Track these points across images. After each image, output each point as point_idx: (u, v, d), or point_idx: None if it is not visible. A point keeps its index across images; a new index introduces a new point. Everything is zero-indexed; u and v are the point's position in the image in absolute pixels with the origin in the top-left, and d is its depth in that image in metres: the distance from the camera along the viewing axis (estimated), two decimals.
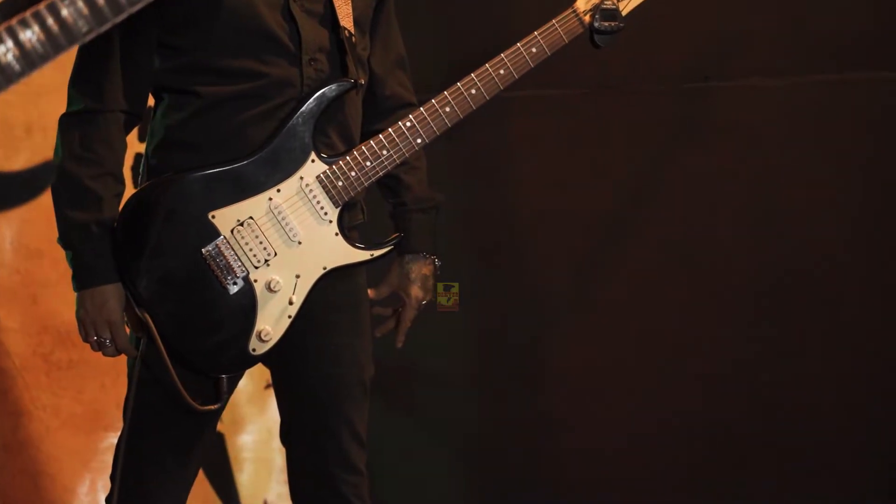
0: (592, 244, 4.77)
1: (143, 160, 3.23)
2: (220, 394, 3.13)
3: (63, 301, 4.36)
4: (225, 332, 3.07)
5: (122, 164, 3.14)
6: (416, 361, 4.39)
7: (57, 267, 4.39)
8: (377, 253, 3.20)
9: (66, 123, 3.13)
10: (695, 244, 4.66)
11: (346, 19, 3.22)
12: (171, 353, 3.04)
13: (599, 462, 4.76)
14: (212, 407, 3.12)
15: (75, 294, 3.13)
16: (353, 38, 3.22)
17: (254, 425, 4.68)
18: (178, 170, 3.10)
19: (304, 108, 3.11)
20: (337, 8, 3.21)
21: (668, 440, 4.68)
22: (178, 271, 3.05)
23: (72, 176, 3.07)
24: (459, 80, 3.22)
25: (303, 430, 3.25)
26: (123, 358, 3.20)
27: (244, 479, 4.66)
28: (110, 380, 4.47)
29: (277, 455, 4.71)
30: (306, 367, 3.21)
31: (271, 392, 4.60)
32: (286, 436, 3.29)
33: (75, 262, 3.10)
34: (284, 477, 4.63)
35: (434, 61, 4.22)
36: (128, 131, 3.19)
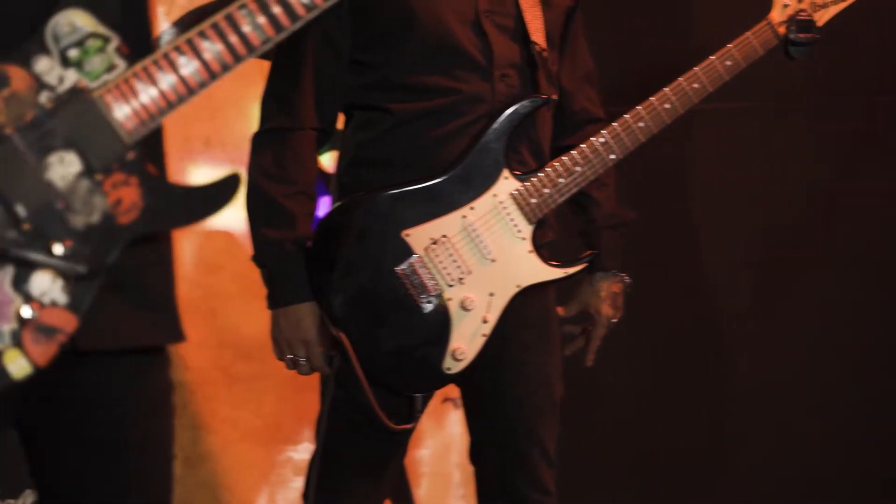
0: (775, 257, 4.71)
1: (334, 178, 3.25)
2: (414, 412, 3.16)
3: (242, 315, 4.43)
4: (419, 351, 3.09)
5: (314, 182, 3.18)
6: (593, 375, 4.36)
7: (236, 281, 4.46)
8: (571, 270, 3.20)
9: (259, 141, 3.17)
10: (882, 260, 4.59)
11: (537, 34, 3.22)
12: (366, 371, 3.06)
13: (777, 475, 4.70)
14: (407, 426, 3.13)
15: (270, 312, 3.16)
16: (544, 53, 3.21)
17: (431, 440, 4.70)
18: (370, 188, 3.12)
19: (496, 125, 3.12)
20: (528, 23, 3.21)
21: (856, 452, 4.61)
22: (372, 290, 3.08)
23: (266, 194, 3.11)
24: (653, 94, 3.20)
25: (493, 449, 3.25)
26: (290, 370, 3.22)
27: (422, 493, 4.69)
28: (289, 393, 4.53)
29: (455, 470, 4.73)
30: (497, 386, 3.22)
31: (449, 407, 4.63)
32: (476, 454, 3.30)
33: (270, 280, 3.13)
34: (462, 492, 4.66)
35: (615, 75, 4.19)
36: (319, 149, 3.21)
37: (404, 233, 3.08)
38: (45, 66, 1.87)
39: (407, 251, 3.08)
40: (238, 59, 1.93)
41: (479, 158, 3.11)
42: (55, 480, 2.02)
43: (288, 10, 1.95)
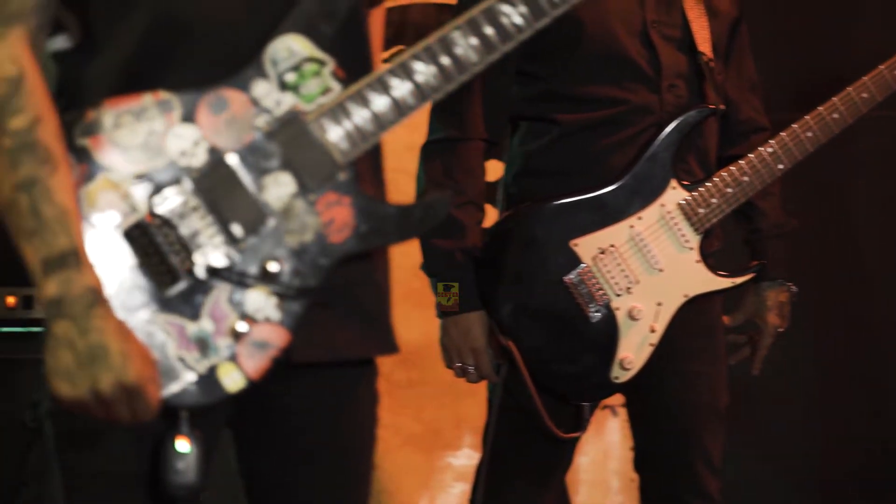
0: None
1: (501, 188, 3.30)
2: (581, 421, 3.19)
3: (403, 322, 4.46)
4: (587, 360, 3.13)
5: (483, 192, 3.23)
6: (759, 385, 4.36)
7: (397, 288, 4.50)
8: (738, 280, 3.21)
9: (429, 151, 3.24)
10: None
11: (704, 44, 3.24)
12: (534, 379, 3.10)
13: None
14: (574, 434, 3.17)
15: (437, 320, 3.22)
16: (711, 64, 3.23)
17: (590, 446, 4.72)
18: (538, 198, 3.16)
19: (665, 135, 3.15)
20: (695, 33, 3.23)
21: None
22: (540, 299, 3.12)
23: None
24: (821, 104, 3.20)
25: (658, 458, 3.28)
26: (458, 377, 3.27)
27: (580, 500, 4.71)
28: (449, 400, 4.58)
29: (613, 478, 4.75)
30: (663, 395, 3.24)
31: (607, 415, 4.65)
32: (641, 463, 3.33)
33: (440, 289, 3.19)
34: (620, 499, 4.67)
35: (776, 83, 4.18)
36: (486, 159, 3.26)
37: (572, 242, 3.12)
38: (263, 90, 1.96)
39: (575, 261, 3.12)
40: (450, 80, 1.99)
41: (647, 168, 3.14)
42: (264, 483, 2.11)
43: (500, 31, 2.00)
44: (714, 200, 3.17)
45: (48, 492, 2.01)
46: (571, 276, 3.12)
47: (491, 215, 3.32)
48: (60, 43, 2.00)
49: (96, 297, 1.83)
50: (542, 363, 3.13)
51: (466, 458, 4.64)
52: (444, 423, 4.66)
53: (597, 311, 3.12)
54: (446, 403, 4.63)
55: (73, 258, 1.83)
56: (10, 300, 4.76)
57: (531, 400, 3.12)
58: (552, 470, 3.27)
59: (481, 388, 3.39)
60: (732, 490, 3.41)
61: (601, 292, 3.12)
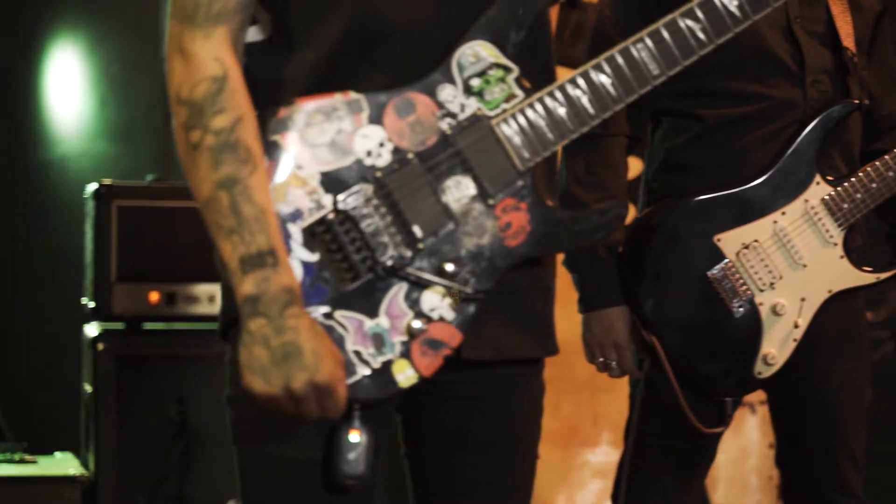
0: None
1: (642, 185, 3.33)
2: (725, 416, 3.20)
3: None
4: (730, 355, 3.15)
5: (625, 189, 3.25)
6: None
7: None
8: (883, 276, 3.22)
9: (571, 148, 3.26)
10: None
11: (847, 39, 3.24)
12: (676, 374, 3.13)
13: None
14: (718, 429, 3.18)
15: (580, 316, 3.26)
16: (855, 59, 3.23)
17: (728, 444, 4.72)
18: (679, 193, 3.18)
19: (809, 130, 3.16)
20: (838, 28, 3.24)
21: None
22: (683, 294, 3.15)
23: (578, 201, 3.20)
24: None
25: (800, 453, 3.29)
26: (599, 374, 3.30)
27: (718, 497, 4.72)
28: (586, 396, 4.62)
29: (752, 475, 4.75)
30: (805, 391, 3.26)
31: (746, 411, 4.65)
32: (782, 458, 3.34)
33: (582, 285, 3.23)
34: (758, 497, 4.67)
35: None
36: (628, 155, 3.29)
37: (716, 237, 3.14)
38: (448, 94, 2.04)
39: (718, 256, 3.14)
40: (630, 92, 2.07)
41: (791, 164, 3.16)
42: (430, 469, 2.18)
43: (683, 45, 2.09)
44: (858, 196, 3.17)
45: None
46: (715, 272, 3.14)
47: (632, 212, 3.35)
48: (250, 36, 2.07)
49: (292, 296, 1.91)
50: (684, 358, 3.15)
51: (604, 454, 4.67)
52: (582, 420, 4.70)
53: (740, 307, 3.14)
54: (584, 400, 4.66)
55: (271, 257, 1.91)
56: (154, 296, 4.87)
57: (674, 395, 3.15)
58: (695, 466, 3.30)
59: (619, 385, 3.43)
60: (876, 488, 3.41)
61: (744, 287, 3.14)
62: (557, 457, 4.71)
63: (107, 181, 4.90)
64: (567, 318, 3.31)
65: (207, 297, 4.88)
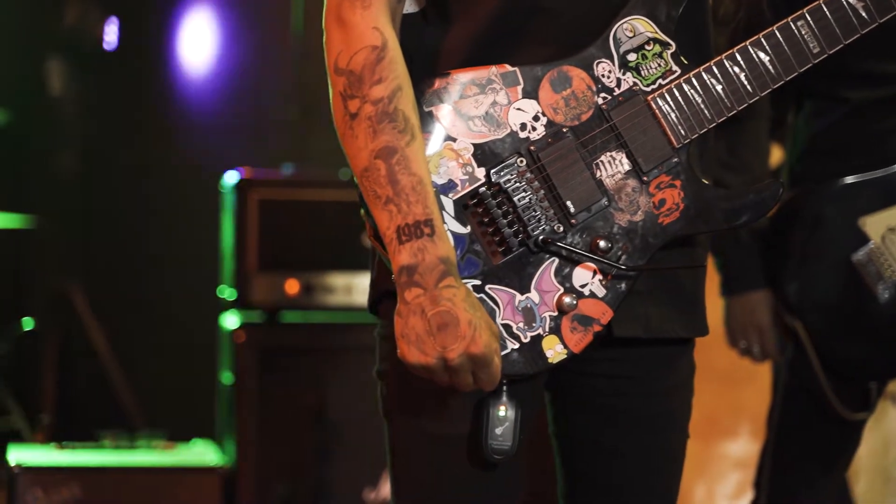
0: None
1: (785, 168, 3.32)
2: (869, 402, 3.19)
3: None
4: (875, 339, 3.15)
5: (768, 172, 3.26)
6: None
7: None
8: None
9: (715, 130, 3.27)
10: None
11: None
12: (820, 359, 3.12)
13: None
14: (862, 415, 3.17)
15: (723, 300, 3.27)
16: None
17: (869, 435, 4.68)
18: (823, 177, 3.17)
19: None
20: None
21: None
22: (827, 278, 3.15)
23: (721, 184, 3.19)
24: None
25: None
26: (738, 365, 3.29)
27: (859, 490, 4.68)
28: (726, 387, 4.61)
29: (894, 467, 4.69)
30: None
31: (887, 404, 4.61)
32: None
33: (725, 268, 3.25)
34: None
35: None
36: (773, 137, 3.29)
37: (861, 221, 3.13)
38: (605, 69, 2.07)
39: (863, 239, 3.13)
40: (789, 70, 2.08)
41: None
42: (579, 446, 2.20)
43: (845, 23, 2.10)
44: None
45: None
46: (859, 256, 3.13)
47: None
48: (405, 8, 2.11)
49: (449, 267, 1.94)
50: (828, 342, 3.15)
51: (744, 445, 4.66)
52: (722, 411, 4.69)
53: (885, 291, 3.12)
54: (723, 390, 4.66)
55: (428, 227, 1.93)
56: (292, 286, 4.95)
57: (817, 380, 3.14)
58: (838, 453, 3.29)
59: (759, 375, 3.43)
60: None
61: (890, 271, 3.12)
62: (696, 448, 4.69)
63: (246, 172, 5.00)
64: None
65: (345, 287, 4.95)
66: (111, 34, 6.25)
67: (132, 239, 6.22)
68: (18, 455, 4.69)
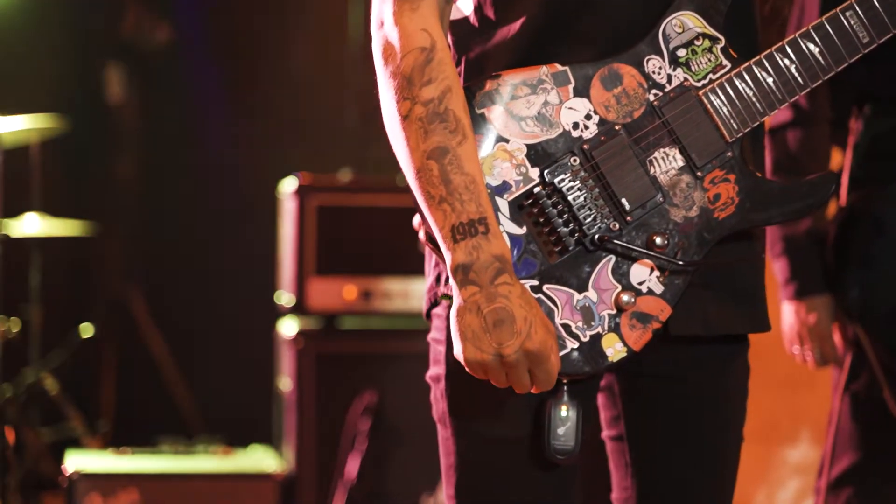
0: None
1: (847, 172, 3.30)
2: None
3: None
4: None
5: None
6: None
7: None
8: None
9: (775, 135, 3.27)
10: None
11: None
12: (882, 365, 3.10)
13: None
14: None
15: (783, 304, 3.25)
16: None
17: None
18: (884, 180, 3.15)
19: None
20: None
21: None
22: (890, 283, 3.11)
23: None
24: None
25: None
26: (798, 370, 3.28)
27: None
28: (786, 392, 4.59)
29: None
30: None
31: None
32: None
33: (785, 273, 3.23)
34: None
35: None
36: (832, 142, 3.27)
37: None
38: (655, 65, 2.07)
39: None
40: (839, 61, 2.08)
41: None
42: (639, 446, 2.19)
43: (890, 6, 2.08)
44: None
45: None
46: None
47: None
48: (453, 13, 2.11)
49: (504, 264, 1.94)
50: (891, 346, 3.12)
51: (804, 451, 4.63)
52: (782, 416, 4.66)
53: None
54: (783, 396, 4.63)
55: (482, 226, 1.94)
56: (350, 292, 4.96)
57: (878, 386, 3.11)
58: None
59: (819, 380, 3.41)
60: None
61: None
62: (756, 453, 4.68)
63: (304, 178, 5.02)
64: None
65: (402, 293, 4.96)
66: (166, 36, 6.30)
67: (191, 244, 6.27)
68: (76, 461, 4.73)
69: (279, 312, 5.16)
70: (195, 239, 6.26)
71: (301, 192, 4.98)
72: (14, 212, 5.09)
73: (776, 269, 3.28)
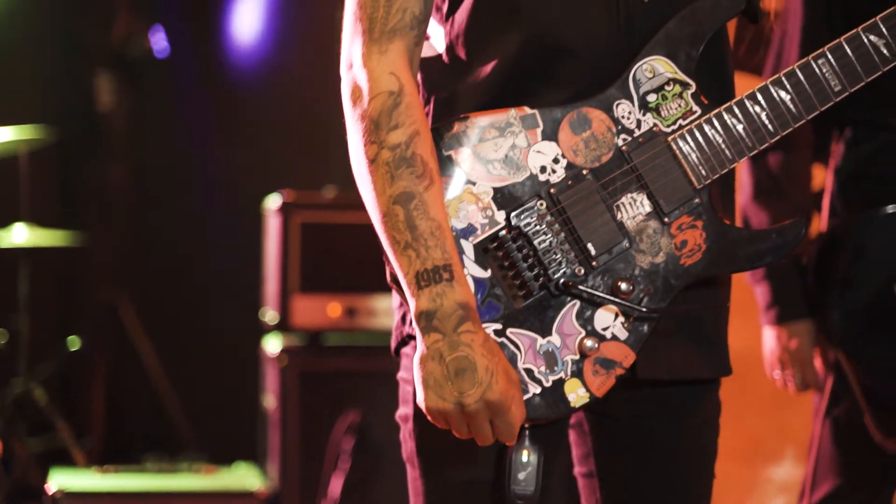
0: None
1: (829, 195, 3.29)
2: None
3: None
4: None
5: (810, 199, 3.23)
6: None
7: None
8: None
9: (756, 158, 3.25)
10: None
11: None
12: (862, 389, 3.09)
13: None
14: None
15: (763, 328, 3.24)
16: None
17: None
18: (865, 205, 3.13)
19: None
20: None
21: None
22: (871, 307, 3.11)
23: (761, 210, 3.19)
24: None
25: None
26: (782, 389, 3.27)
27: None
28: (770, 411, 4.58)
29: None
30: None
31: None
32: None
33: (766, 297, 3.22)
34: None
35: None
36: (814, 164, 3.26)
37: None
38: (625, 109, 2.05)
39: None
40: (810, 109, 2.06)
41: None
42: (603, 487, 2.20)
43: (866, 61, 2.07)
44: None
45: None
46: None
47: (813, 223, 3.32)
48: (424, 51, 2.09)
49: (467, 312, 1.92)
50: (870, 372, 3.11)
51: (789, 470, 4.62)
52: (766, 435, 4.65)
53: None
54: (768, 415, 4.62)
55: (447, 272, 1.93)
56: (334, 309, 4.95)
57: (859, 410, 3.10)
58: (881, 484, 3.27)
59: (805, 399, 3.40)
60: None
61: None
62: (741, 471, 4.67)
63: (288, 195, 5.01)
64: (750, 332, 3.29)
65: (387, 310, 4.95)
66: (160, 43, 6.28)
67: (178, 256, 6.25)
68: (60, 479, 4.71)
69: (264, 330, 5.14)
70: (184, 252, 6.24)
71: (285, 210, 4.97)
72: (2, 222, 5.09)
73: (758, 293, 3.26)
